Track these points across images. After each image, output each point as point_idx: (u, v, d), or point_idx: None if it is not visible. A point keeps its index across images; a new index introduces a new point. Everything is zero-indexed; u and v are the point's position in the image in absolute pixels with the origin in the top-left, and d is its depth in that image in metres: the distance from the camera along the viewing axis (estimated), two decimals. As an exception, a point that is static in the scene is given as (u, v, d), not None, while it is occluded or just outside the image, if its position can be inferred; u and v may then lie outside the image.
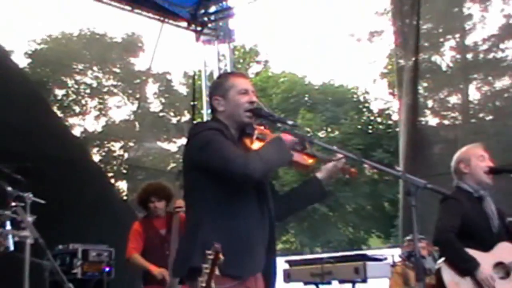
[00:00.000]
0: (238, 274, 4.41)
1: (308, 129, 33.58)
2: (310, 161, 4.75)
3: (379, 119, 36.04)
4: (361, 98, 37.87)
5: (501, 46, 15.28)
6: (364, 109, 37.41)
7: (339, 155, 4.80)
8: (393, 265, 9.87)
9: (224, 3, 13.81)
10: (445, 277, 6.60)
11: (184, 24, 13.96)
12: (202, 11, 13.80)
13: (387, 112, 34.54)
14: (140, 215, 9.26)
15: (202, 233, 4.39)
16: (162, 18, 13.63)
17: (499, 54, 15.21)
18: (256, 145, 4.68)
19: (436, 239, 6.74)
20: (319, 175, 4.88)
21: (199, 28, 14.06)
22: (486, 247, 6.60)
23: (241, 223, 4.51)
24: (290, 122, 4.73)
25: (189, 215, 4.79)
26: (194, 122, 14.12)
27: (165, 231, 8.70)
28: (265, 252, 4.72)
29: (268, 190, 4.77)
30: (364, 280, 9.46)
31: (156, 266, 8.48)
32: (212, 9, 13.94)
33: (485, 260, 6.56)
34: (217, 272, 3.97)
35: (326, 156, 4.83)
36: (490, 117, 14.07)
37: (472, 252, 6.55)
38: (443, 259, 6.66)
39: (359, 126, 35.87)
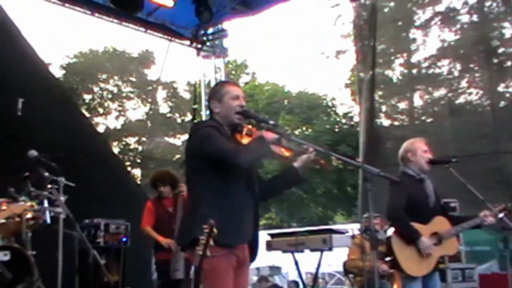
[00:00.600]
0: (229, 244, 4.49)
1: (287, 128, 33.52)
2: (287, 153, 4.82)
3: (343, 120, 36.00)
4: (330, 104, 37.82)
5: (438, 64, 15.32)
6: (332, 112, 37.37)
7: (311, 149, 4.88)
8: (353, 237, 9.90)
9: (219, 26, 13.81)
10: (393, 244, 6.70)
11: (187, 42, 13.94)
12: (202, 32, 13.79)
13: (350, 115, 34.55)
14: (151, 196, 9.31)
15: (200, 210, 4.47)
16: (169, 38, 13.60)
17: (437, 70, 15.25)
18: (245, 140, 4.77)
19: (388, 215, 6.82)
20: (295, 164, 4.91)
21: (199, 46, 14.06)
22: (425, 220, 6.73)
23: (233, 202, 4.59)
24: (271, 122, 4.79)
25: (190, 196, 4.87)
26: (195, 121, 14.10)
27: (172, 209, 8.76)
28: (252, 226, 4.81)
29: (254, 176, 4.86)
30: (330, 249, 9.51)
31: (164, 237, 8.54)
32: (210, 30, 13.91)
33: (424, 231, 6.70)
34: (211, 243, 4.06)
35: (301, 149, 4.90)
36: (430, 119, 14.13)
37: (415, 225, 6.68)
38: (393, 230, 6.76)
39: (328, 126, 35.82)
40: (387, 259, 6.89)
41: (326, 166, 5.35)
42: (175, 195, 8.77)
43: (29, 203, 6.68)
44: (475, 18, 14.36)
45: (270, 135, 4.64)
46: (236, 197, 4.62)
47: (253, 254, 4.87)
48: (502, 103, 13.32)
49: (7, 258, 7.16)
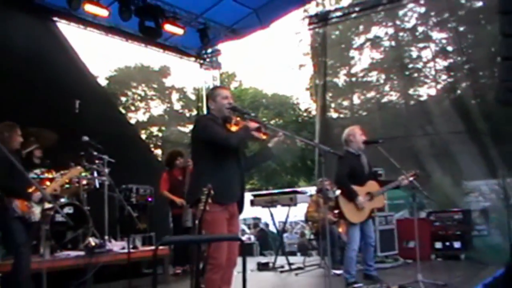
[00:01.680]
0: (223, 202, 4.53)
1: (265, 119, 33.48)
2: (264, 137, 4.84)
3: (305, 114, 35.89)
4: (295, 102, 37.76)
5: (369, 74, 15.38)
6: (296, 108, 37.28)
7: (281, 133, 4.90)
8: (311, 196, 9.92)
9: (215, 47, 13.82)
10: (340, 201, 6.79)
11: (193, 59, 13.93)
12: (203, 51, 13.79)
13: (309, 110, 34.46)
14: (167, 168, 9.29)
15: (202, 178, 4.50)
16: (180, 56, 13.59)
17: (369, 79, 15.32)
18: (233, 128, 4.80)
19: (336, 181, 6.96)
20: (269, 145, 4.92)
21: (201, 61, 14.04)
22: (362, 183, 6.82)
23: (225, 172, 4.65)
24: (252, 114, 4.87)
25: (195, 168, 4.95)
26: (200, 115, 14.10)
27: (181, 177, 8.82)
28: (239, 189, 4.83)
29: (241, 154, 4.88)
30: (295, 204, 9.55)
31: (177, 197, 8.56)
32: (209, 50, 13.90)
33: (361, 191, 6.80)
34: (210, 201, 4.08)
35: (274, 134, 4.91)
36: (365, 113, 14.15)
37: (354, 187, 6.73)
38: (339, 191, 6.81)
39: (294, 118, 35.71)
40: (336, 211, 7.01)
41: (290, 145, 5.41)
42: (183, 168, 8.83)
43: (78, 168, 6.69)
44: (393, 43, 14.40)
45: (252, 124, 4.66)
46: (227, 169, 4.68)
47: (240, 208, 4.90)
48: (412, 102, 13.39)
49: (71, 211, 7.20)
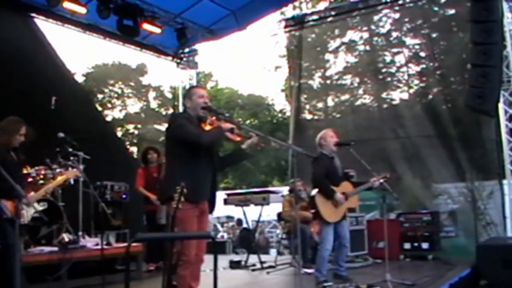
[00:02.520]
0: (194, 200, 4.56)
1: (240, 119, 33.53)
2: (238, 138, 4.87)
3: (279, 115, 36.04)
4: (270, 103, 37.88)
5: (344, 77, 15.48)
6: (271, 109, 37.42)
7: (255, 135, 4.94)
8: (283, 196, 9.95)
9: (192, 47, 13.81)
10: (317, 200, 6.84)
11: (170, 58, 13.90)
12: (180, 51, 13.77)
13: (284, 111, 34.59)
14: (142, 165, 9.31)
15: (174, 176, 4.52)
16: (158, 54, 13.56)
17: (343, 82, 15.41)
18: (208, 127, 4.83)
19: (314, 179, 7.06)
20: (243, 146, 4.95)
21: (178, 60, 14.02)
22: (336, 184, 6.89)
23: (197, 171, 4.68)
24: (227, 114, 4.92)
25: (167, 166, 4.94)
26: (175, 113, 14.08)
27: (156, 174, 8.82)
28: (210, 188, 4.87)
29: (213, 154, 4.90)
30: (267, 204, 9.57)
31: (152, 194, 8.57)
32: (186, 50, 13.88)
33: (337, 190, 6.86)
34: (182, 199, 4.11)
35: (248, 135, 4.95)
36: (338, 115, 14.25)
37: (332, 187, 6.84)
38: (316, 190, 6.90)
39: (269, 118, 35.89)
40: (312, 211, 7.04)
41: (265, 147, 5.46)
42: (159, 165, 8.84)
43: (75, 170, 6.58)
44: (367, 47, 14.53)
45: (226, 125, 4.69)
46: (199, 168, 4.71)
47: (211, 207, 4.95)
48: (385, 105, 13.52)
49: (45, 207, 7.13)
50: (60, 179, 6.42)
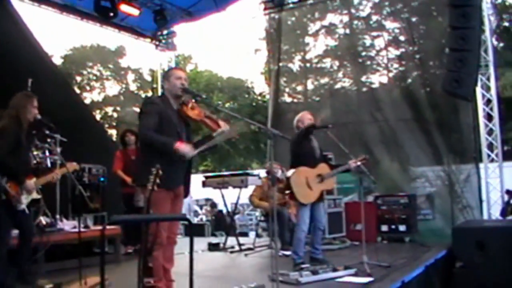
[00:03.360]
0: (168, 187, 4.56)
1: (219, 102, 33.48)
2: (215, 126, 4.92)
3: (259, 97, 36.07)
4: (250, 85, 37.90)
5: (323, 60, 15.44)
6: (251, 92, 37.45)
7: (222, 124, 4.96)
8: (260, 178, 9.95)
9: (171, 29, 13.73)
10: (292, 181, 6.99)
11: (149, 40, 13.85)
12: (159, 33, 13.69)
13: (263, 94, 34.59)
14: (120, 148, 9.31)
15: (147, 161, 4.52)
16: (136, 36, 13.48)
17: (323, 65, 15.36)
18: (190, 112, 4.83)
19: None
20: (214, 134, 4.99)
21: (157, 43, 13.97)
22: (313, 165, 6.92)
23: (169, 157, 4.59)
24: (204, 96, 4.94)
25: (141, 151, 4.95)
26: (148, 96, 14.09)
27: (134, 157, 8.80)
28: (185, 173, 4.85)
29: (188, 138, 4.90)
30: (246, 186, 9.62)
31: (129, 177, 8.56)
32: (164, 32, 13.80)
33: (312, 172, 6.92)
34: (158, 181, 4.12)
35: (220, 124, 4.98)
36: (318, 98, 14.26)
37: (306, 168, 6.84)
38: (292, 171, 6.97)
39: (248, 101, 35.94)
40: (287, 192, 7.07)
41: (238, 137, 5.50)
42: (137, 148, 8.83)
43: (74, 164, 6.48)
44: (347, 31, 14.50)
45: (182, 148, 4.58)
46: (170, 154, 4.61)
47: (186, 192, 4.96)
48: (364, 89, 13.54)
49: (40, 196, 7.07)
50: (61, 171, 6.34)
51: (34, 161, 7.17)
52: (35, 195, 5.68)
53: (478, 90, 10.13)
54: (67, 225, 7.83)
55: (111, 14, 10.99)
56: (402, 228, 9.91)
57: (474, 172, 10.43)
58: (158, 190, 4.20)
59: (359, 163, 7.05)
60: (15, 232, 5.61)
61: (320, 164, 7.20)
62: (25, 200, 5.43)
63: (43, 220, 7.28)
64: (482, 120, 10.33)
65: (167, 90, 4.90)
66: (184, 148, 4.58)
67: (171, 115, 4.80)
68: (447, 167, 10.82)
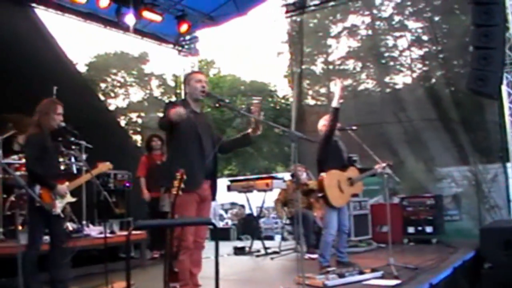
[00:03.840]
0: (188, 189, 4.48)
1: (243, 106, 33.53)
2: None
3: (282, 101, 36.04)
4: (273, 89, 37.90)
5: (346, 62, 15.41)
6: (274, 95, 37.43)
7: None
8: (284, 181, 9.90)
9: (193, 34, 13.74)
10: (325, 183, 6.80)
11: (171, 46, 13.86)
12: (182, 38, 13.71)
13: (286, 97, 34.53)
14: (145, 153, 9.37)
15: (171, 164, 4.55)
16: (159, 42, 13.53)
17: (345, 67, 15.34)
18: None
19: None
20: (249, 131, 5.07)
21: (180, 48, 13.98)
22: (342, 167, 6.89)
23: (188, 159, 4.65)
24: (227, 100, 4.93)
25: (168, 153, 4.91)
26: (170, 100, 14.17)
27: (159, 161, 8.84)
28: (210, 175, 4.86)
29: (207, 141, 4.88)
30: (271, 190, 9.59)
31: (153, 182, 8.59)
32: (187, 37, 13.82)
33: (343, 176, 6.89)
34: (182, 185, 4.12)
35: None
36: (341, 100, 14.17)
37: (337, 171, 6.82)
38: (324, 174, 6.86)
39: (272, 104, 35.84)
40: (319, 194, 6.95)
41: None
42: (162, 153, 8.87)
43: (107, 163, 6.52)
44: (369, 32, 14.44)
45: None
46: (189, 155, 4.67)
47: (213, 195, 4.94)
48: (387, 90, 13.47)
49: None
50: (95, 171, 6.37)
51: (62, 167, 7.20)
52: (69, 198, 5.70)
53: (504, 88, 9.97)
54: (93, 230, 7.89)
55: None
56: (428, 229, 9.80)
57: (501, 171, 10.29)
58: (182, 194, 4.20)
59: (384, 165, 7.00)
60: (46, 237, 5.65)
61: (351, 168, 7.18)
62: (59, 204, 5.46)
63: (70, 226, 7.34)
64: (508, 118, 10.15)
65: (188, 94, 4.93)
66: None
67: (192, 118, 4.79)
68: (474, 166, 10.70)
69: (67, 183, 5.68)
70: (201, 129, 4.81)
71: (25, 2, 10.37)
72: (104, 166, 6.45)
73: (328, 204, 6.88)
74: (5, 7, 9.89)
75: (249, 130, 5.06)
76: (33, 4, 10.50)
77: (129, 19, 10.93)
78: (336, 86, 6.98)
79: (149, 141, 9.37)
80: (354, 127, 7.27)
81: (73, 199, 5.85)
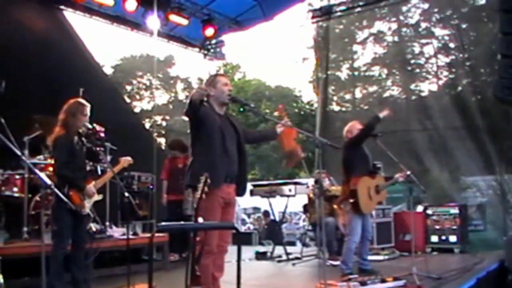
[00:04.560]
0: (212, 188, 4.41)
1: (267, 110, 33.58)
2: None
3: (307, 106, 35.97)
4: (298, 94, 37.88)
5: (372, 69, 15.38)
6: (299, 101, 37.39)
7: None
8: (308, 187, 9.89)
9: (219, 38, 13.77)
10: (359, 191, 6.84)
11: (197, 49, 13.90)
12: (207, 42, 13.74)
13: (311, 102, 34.47)
14: (169, 155, 9.46)
15: (193, 162, 4.55)
16: (185, 46, 13.58)
17: (371, 73, 15.33)
18: None
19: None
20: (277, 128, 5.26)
21: (205, 52, 14.02)
22: (368, 173, 6.95)
23: (210, 155, 4.64)
24: (252, 105, 4.94)
25: (192, 155, 4.86)
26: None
27: (181, 165, 8.91)
28: (239, 170, 4.87)
29: (231, 139, 4.84)
30: (294, 195, 9.57)
31: (174, 185, 8.98)
32: (213, 41, 13.85)
33: (372, 183, 6.88)
34: (206, 189, 4.12)
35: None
36: (366, 107, 14.16)
37: (367, 178, 6.80)
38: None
39: (296, 110, 35.78)
40: (351, 200, 6.91)
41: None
42: (185, 156, 8.91)
43: (128, 158, 6.55)
44: (396, 38, 14.39)
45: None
46: (212, 156, 4.64)
47: (241, 190, 4.98)
48: (413, 97, 13.40)
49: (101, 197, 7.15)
50: (117, 167, 6.42)
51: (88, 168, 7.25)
52: (97, 197, 5.75)
53: (531, 97, 9.85)
54: (116, 232, 7.93)
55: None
56: (452, 239, 9.69)
57: (526, 182, 10.17)
58: (206, 197, 4.20)
59: (408, 172, 6.95)
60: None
61: (377, 175, 7.18)
62: (88, 204, 5.51)
63: (93, 226, 7.38)
64: (534, 127, 10.05)
65: (213, 97, 4.87)
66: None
67: (216, 118, 4.78)
68: (499, 176, 10.58)
69: (93, 182, 5.72)
70: (226, 131, 4.78)
71: (53, 5, 10.50)
72: (126, 161, 6.48)
73: (358, 211, 6.84)
74: (34, 9, 10.03)
75: (278, 130, 5.26)
76: (62, 7, 10.63)
77: (153, 22, 10.98)
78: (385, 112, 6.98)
79: (171, 146, 9.49)
80: (379, 134, 7.23)
81: (100, 197, 5.90)
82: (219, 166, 4.63)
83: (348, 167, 7.00)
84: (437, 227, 9.83)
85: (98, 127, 6.85)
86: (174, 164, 9.14)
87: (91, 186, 5.57)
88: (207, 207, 4.38)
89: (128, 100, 27.82)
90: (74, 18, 10.96)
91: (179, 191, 8.78)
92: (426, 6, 13.97)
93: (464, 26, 12.66)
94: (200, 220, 4.23)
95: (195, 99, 4.51)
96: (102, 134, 7.18)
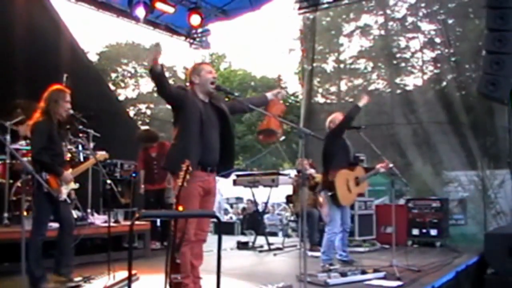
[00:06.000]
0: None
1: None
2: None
3: (292, 97, 35.94)
4: (283, 85, 37.82)
5: (358, 61, 15.39)
6: (284, 91, 37.40)
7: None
8: (291, 177, 9.91)
9: (205, 27, 13.71)
10: (337, 182, 6.92)
11: (183, 38, 13.85)
12: (193, 31, 13.68)
13: (296, 94, 34.47)
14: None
15: (176, 146, 4.57)
16: (170, 34, 13.51)
17: (357, 66, 15.33)
18: None
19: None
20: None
21: (191, 41, 13.98)
22: (348, 166, 6.98)
23: (186, 139, 4.65)
24: (236, 94, 4.92)
25: (173, 139, 4.83)
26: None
27: (155, 154, 8.95)
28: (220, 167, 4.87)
29: (209, 132, 4.78)
30: (276, 186, 9.60)
31: (148, 173, 9.00)
32: (199, 30, 13.79)
33: (351, 175, 6.90)
34: (188, 177, 4.10)
35: None
36: (351, 99, 14.16)
37: (346, 170, 6.83)
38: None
39: (281, 101, 35.78)
40: (329, 193, 6.95)
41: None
42: (158, 144, 8.95)
43: (104, 153, 6.54)
44: (382, 32, 14.38)
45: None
46: (186, 141, 4.63)
47: (224, 169, 5.01)
48: (398, 91, 13.44)
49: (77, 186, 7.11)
50: (89, 162, 6.40)
51: (68, 155, 7.19)
52: (73, 185, 5.71)
53: (514, 93, 9.91)
54: (98, 219, 7.90)
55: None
56: (433, 232, 9.75)
57: (508, 178, 10.20)
58: (187, 185, 4.18)
59: (390, 165, 6.98)
60: (52, 224, 5.66)
61: (358, 167, 7.22)
62: (65, 190, 5.47)
63: (75, 213, 7.33)
64: (517, 124, 10.10)
65: (198, 85, 4.83)
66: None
67: (199, 106, 4.74)
68: (481, 171, 10.66)
69: (70, 170, 5.69)
70: (207, 118, 4.74)
71: (38, -11, 10.37)
72: (101, 156, 6.46)
73: (337, 203, 6.89)
74: (19, -6, 9.90)
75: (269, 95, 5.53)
76: (47, -9, 10.50)
77: (140, 11, 10.92)
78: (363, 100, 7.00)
79: (140, 139, 9.49)
80: (363, 127, 7.26)
81: (77, 186, 5.86)
82: (193, 153, 4.56)
83: (327, 158, 7.05)
84: (419, 220, 9.89)
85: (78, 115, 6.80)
86: (147, 153, 9.15)
87: (68, 173, 5.53)
88: (184, 196, 4.35)
89: (112, 88, 27.67)
90: (59, 3, 10.83)
91: (153, 181, 8.93)
92: (413, 0, 13.98)
93: (450, 21, 12.69)
94: (181, 208, 4.22)
95: (155, 70, 4.65)
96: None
